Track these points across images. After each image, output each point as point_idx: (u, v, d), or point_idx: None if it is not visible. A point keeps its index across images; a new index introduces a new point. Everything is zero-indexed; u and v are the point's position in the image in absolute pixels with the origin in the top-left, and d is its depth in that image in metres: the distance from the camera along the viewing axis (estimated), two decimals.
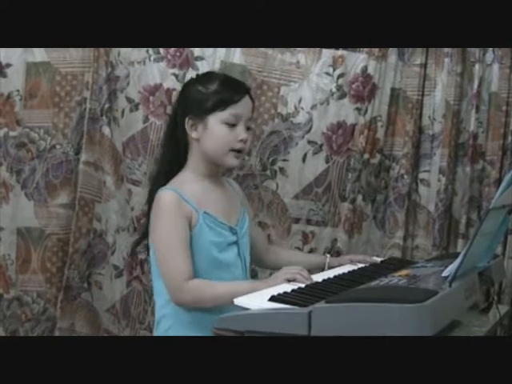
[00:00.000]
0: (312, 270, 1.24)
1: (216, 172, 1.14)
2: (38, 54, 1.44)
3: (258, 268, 1.39)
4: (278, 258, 1.25)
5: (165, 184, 1.09)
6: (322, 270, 1.22)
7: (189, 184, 1.09)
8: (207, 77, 1.15)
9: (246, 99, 1.11)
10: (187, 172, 1.11)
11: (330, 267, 1.23)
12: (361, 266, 1.22)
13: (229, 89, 1.10)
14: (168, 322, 1.09)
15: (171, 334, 1.08)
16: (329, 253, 1.37)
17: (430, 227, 1.48)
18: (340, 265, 1.23)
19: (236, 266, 1.11)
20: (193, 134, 1.09)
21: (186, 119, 1.10)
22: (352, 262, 1.23)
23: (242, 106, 1.09)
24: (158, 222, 1.05)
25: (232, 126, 1.08)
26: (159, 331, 1.11)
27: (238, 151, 1.09)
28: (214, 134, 1.08)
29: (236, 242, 1.12)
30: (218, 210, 1.10)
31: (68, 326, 1.51)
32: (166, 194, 1.06)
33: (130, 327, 1.50)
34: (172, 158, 1.12)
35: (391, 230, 1.51)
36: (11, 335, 1.49)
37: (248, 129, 1.11)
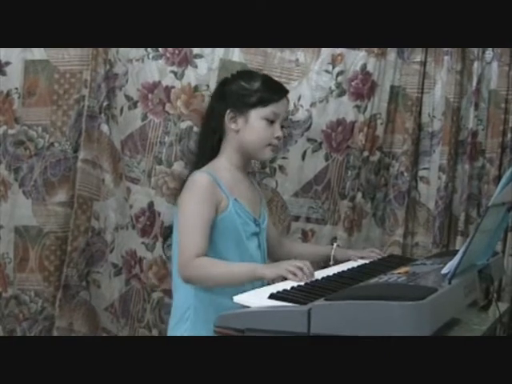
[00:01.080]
0: (316, 261, 1.28)
1: (246, 164, 1.23)
2: (37, 52, 1.44)
3: None
4: (289, 251, 1.30)
5: (199, 168, 1.17)
6: (328, 260, 1.26)
7: (223, 171, 1.17)
8: (250, 74, 1.24)
9: (285, 100, 1.21)
10: (222, 160, 1.19)
11: (335, 259, 1.26)
12: (361, 262, 1.22)
13: (271, 88, 1.19)
14: (188, 302, 1.13)
15: (190, 314, 1.11)
16: (332, 243, 1.38)
17: (430, 225, 1.48)
18: (345, 259, 1.25)
19: (256, 256, 1.17)
20: (232, 126, 1.18)
21: (228, 111, 1.17)
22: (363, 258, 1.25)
23: (281, 106, 1.19)
24: (188, 199, 1.12)
25: (271, 122, 1.17)
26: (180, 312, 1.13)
27: (274, 146, 1.18)
28: (255, 128, 1.16)
29: (258, 234, 1.19)
30: (246, 200, 1.18)
31: (66, 325, 1.50)
32: (201, 176, 1.14)
33: (128, 326, 1.50)
34: (207, 146, 1.21)
35: (391, 228, 1.51)
36: (9, 334, 1.49)
37: (282, 127, 1.20)
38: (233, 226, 1.13)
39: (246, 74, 1.23)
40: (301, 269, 1.00)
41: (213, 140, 1.20)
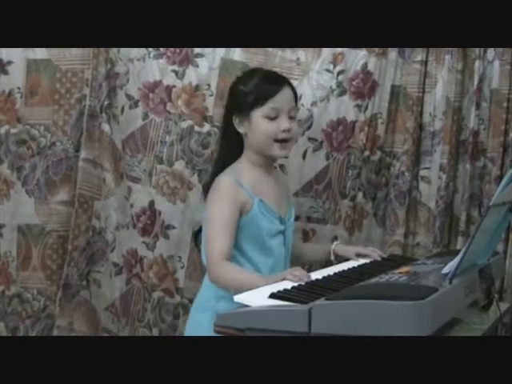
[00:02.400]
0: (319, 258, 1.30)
1: (268, 162, 1.22)
2: (39, 52, 1.45)
3: None
4: (293, 250, 1.28)
5: (221, 171, 1.19)
6: (328, 257, 1.26)
7: (246, 172, 1.18)
8: (248, 75, 1.23)
9: (285, 91, 1.18)
10: (243, 161, 1.21)
11: (336, 255, 1.26)
12: (362, 262, 1.22)
13: (266, 84, 1.18)
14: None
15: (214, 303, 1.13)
16: (337, 240, 1.38)
17: (431, 224, 1.48)
18: (346, 256, 1.25)
19: (280, 253, 1.19)
20: (240, 130, 1.19)
21: (234, 117, 1.19)
22: (359, 256, 1.24)
23: (281, 99, 1.16)
24: (213, 202, 1.15)
25: (274, 118, 1.16)
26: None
27: (283, 141, 1.17)
28: (258, 128, 1.17)
29: (283, 232, 1.20)
30: (271, 198, 1.19)
31: (67, 325, 1.50)
32: (224, 180, 1.16)
33: (129, 325, 1.50)
34: (226, 151, 1.23)
35: (392, 228, 1.50)
36: (12, 332, 1.49)
37: (291, 118, 1.18)
38: (257, 226, 1.15)
39: (244, 76, 1.23)
40: (294, 275, 1.00)
41: (230, 144, 1.22)
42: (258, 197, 1.15)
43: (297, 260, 1.28)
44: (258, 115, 1.16)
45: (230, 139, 1.22)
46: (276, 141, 1.16)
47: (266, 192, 1.18)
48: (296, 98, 1.22)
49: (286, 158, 1.45)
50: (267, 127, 1.15)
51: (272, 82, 1.18)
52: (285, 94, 1.18)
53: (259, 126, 1.16)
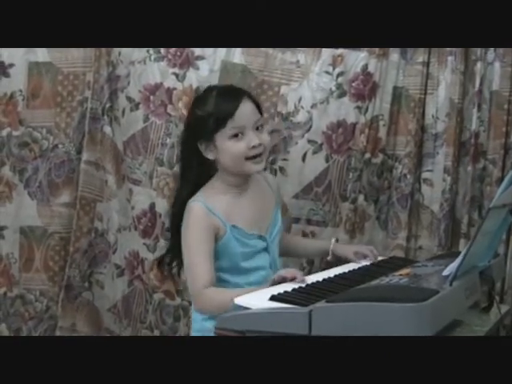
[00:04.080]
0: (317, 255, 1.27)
1: (244, 180, 1.15)
2: (41, 54, 1.45)
3: None
4: (287, 245, 1.27)
5: (190, 196, 1.12)
6: (327, 255, 1.24)
7: (218, 196, 1.12)
8: (202, 98, 1.15)
9: (243, 106, 1.10)
10: (217, 183, 1.14)
11: (334, 254, 1.24)
12: (363, 264, 1.21)
13: (222, 104, 1.10)
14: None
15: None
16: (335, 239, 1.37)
17: (434, 227, 1.47)
18: (344, 256, 1.23)
19: (264, 269, 1.14)
20: (209, 156, 1.12)
21: (199, 145, 1.12)
22: (357, 254, 1.23)
23: (242, 115, 1.09)
24: (187, 232, 1.10)
25: (239, 136, 1.09)
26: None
27: (254, 157, 1.10)
28: (225, 151, 1.10)
29: (266, 249, 1.15)
30: (247, 221, 1.13)
31: (69, 326, 1.51)
32: (195, 207, 1.10)
33: (131, 326, 1.50)
34: (194, 177, 1.15)
35: (394, 231, 1.49)
36: (15, 333, 1.50)
37: (258, 129, 1.11)
38: (231, 252, 1.11)
39: (199, 98, 1.15)
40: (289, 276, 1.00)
41: (198, 170, 1.14)
42: (231, 223, 1.10)
43: (290, 253, 1.27)
44: (223, 138, 1.08)
45: (193, 165, 1.13)
46: (247, 159, 1.09)
47: (239, 215, 1.11)
48: (259, 108, 1.13)
49: (286, 160, 1.45)
50: (235, 148, 1.08)
51: (228, 100, 1.10)
52: (244, 109, 1.09)
53: (226, 148, 1.08)
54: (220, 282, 1.10)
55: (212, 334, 0.88)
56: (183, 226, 1.11)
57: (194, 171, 1.14)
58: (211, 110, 1.10)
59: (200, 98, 1.17)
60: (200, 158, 1.13)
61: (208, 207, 1.09)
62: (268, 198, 1.20)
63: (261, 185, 1.20)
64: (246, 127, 1.09)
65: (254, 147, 1.09)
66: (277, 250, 1.19)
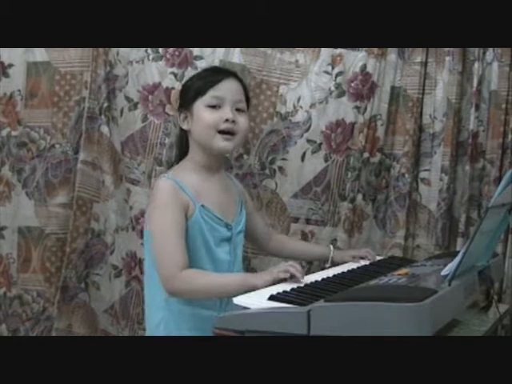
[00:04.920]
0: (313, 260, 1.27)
1: (214, 163, 1.13)
2: (39, 54, 1.45)
3: (257, 266, 1.40)
4: (282, 247, 1.27)
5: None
6: (325, 262, 1.24)
7: (188, 173, 1.09)
8: (197, 73, 1.18)
9: (229, 81, 1.11)
10: (187, 162, 1.12)
11: (332, 261, 1.24)
12: (362, 263, 1.21)
13: (208, 74, 1.12)
14: (160, 313, 1.08)
15: (162, 327, 1.07)
16: (332, 244, 1.37)
17: (431, 226, 1.47)
18: (343, 262, 1.23)
19: (227, 262, 1.11)
20: (184, 126, 1.11)
21: (178, 114, 1.12)
22: (355, 258, 1.23)
23: (224, 88, 1.09)
24: (155, 210, 1.05)
25: (216, 108, 1.08)
26: (153, 322, 1.09)
27: (225, 132, 1.08)
28: (199, 119, 1.09)
29: (229, 239, 1.12)
30: (215, 203, 1.10)
31: (65, 327, 1.50)
32: (162, 182, 1.07)
33: (128, 327, 1.50)
34: (176, 154, 1.16)
35: (392, 230, 1.50)
36: (13, 333, 1.50)
37: (238, 110, 1.10)
38: (200, 233, 1.06)
39: (192, 76, 1.18)
40: (290, 270, 0.98)
41: (179, 146, 1.15)
42: (200, 202, 1.06)
43: (286, 256, 1.26)
44: (200, 105, 1.08)
45: (178, 141, 1.15)
46: (219, 132, 1.07)
47: (209, 197, 1.08)
48: (246, 92, 1.13)
49: (285, 160, 1.45)
50: (209, 116, 1.07)
51: (215, 73, 1.13)
52: (228, 84, 1.10)
53: (200, 116, 1.07)
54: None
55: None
56: (150, 207, 1.07)
57: (178, 147, 1.15)
58: (197, 79, 1.12)
59: (197, 73, 1.19)
60: (181, 134, 1.13)
61: (177, 182, 1.06)
62: (232, 192, 1.18)
63: (227, 178, 1.19)
64: (225, 100, 1.09)
65: (227, 120, 1.08)
66: (240, 247, 1.15)
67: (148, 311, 1.12)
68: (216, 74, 1.12)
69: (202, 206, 1.07)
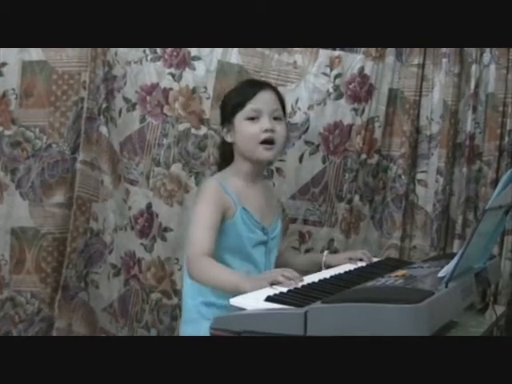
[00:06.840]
0: (311, 269, 1.25)
1: (257, 171, 1.22)
2: (35, 53, 1.44)
3: None
4: (286, 261, 1.29)
5: None
6: (320, 268, 1.24)
7: (232, 179, 1.19)
8: (233, 88, 1.26)
9: (264, 93, 1.19)
10: (232, 169, 1.22)
11: (328, 266, 1.24)
12: (359, 265, 1.22)
13: (244, 88, 1.21)
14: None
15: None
16: (327, 249, 1.37)
17: (428, 228, 1.48)
18: (338, 264, 1.23)
19: (261, 264, 1.19)
20: (228, 139, 1.21)
21: (221, 128, 1.22)
22: (351, 260, 1.24)
23: (261, 99, 1.17)
24: (197, 205, 1.16)
25: (255, 119, 1.17)
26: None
27: (266, 142, 1.16)
28: (241, 131, 1.18)
29: (265, 243, 1.20)
30: (256, 208, 1.19)
31: (65, 326, 1.50)
32: (210, 183, 1.19)
33: (127, 326, 1.50)
34: (221, 162, 1.27)
35: (389, 231, 1.51)
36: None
37: (276, 119, 1.18)
38: (238, 234, 1.15)
39: (230, 90, 1.25)
40: (285, 276, 0.98)
41: (223, 157, 1.25)
42: (242, 205, 1.16)
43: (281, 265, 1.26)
44: (240, 119, 1.17)
45: (223, 152, 1.25)
46: (260, 143, 1.16)
47: (250, 201, 1.18)
48: (281, 100, 1.21)
49: (283, 161, 1.45)
50: (249, 129, 1.16)
51: (251, 86, 1.21)
52: (265, 95, 1.18)
53: (242, 129, 1.17)
54: (219, 262, 1.11)
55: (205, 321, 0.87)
56: (195, 202, 1.18)
57: (222, 157, 1.25)
58: (234, 94, 1.21)
59: (232, 89, 1.26)
60: (226, 146, 1.22)
61: (222, 185, 1.16)
62: (272, 200, 1.28)
63: (268, 186, 1.31)
64: (262, 111, 1.17)
65: (266, 131, 1.16)
66: (275, 252, 1.23)
67: (184, 301, 1.19)
68: (252, 87, 1.20)
69: (243, 208, 1.16)
